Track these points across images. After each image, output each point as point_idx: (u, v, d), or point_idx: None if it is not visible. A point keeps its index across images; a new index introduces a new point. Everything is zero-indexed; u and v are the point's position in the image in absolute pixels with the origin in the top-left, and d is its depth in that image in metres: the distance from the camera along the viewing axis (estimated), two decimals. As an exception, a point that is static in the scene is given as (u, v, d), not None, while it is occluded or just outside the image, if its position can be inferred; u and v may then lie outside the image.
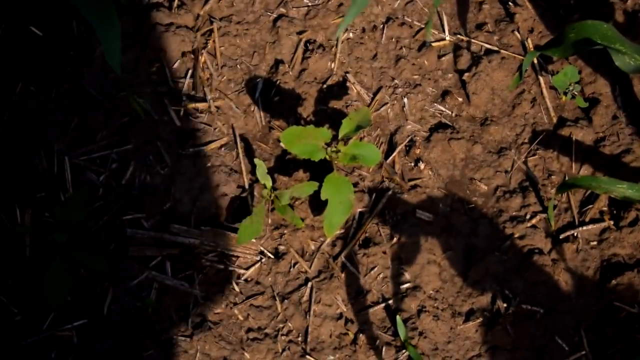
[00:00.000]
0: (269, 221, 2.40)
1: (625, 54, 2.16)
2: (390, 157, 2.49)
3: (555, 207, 2.44)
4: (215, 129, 2.49)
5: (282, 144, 2.47)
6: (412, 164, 2.48)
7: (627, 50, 2.15)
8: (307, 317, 2.30)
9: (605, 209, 2.45)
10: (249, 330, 2.31)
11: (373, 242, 2.38)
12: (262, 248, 2.37)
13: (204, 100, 2.51)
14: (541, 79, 2.60)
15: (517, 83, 2.31)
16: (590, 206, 2.44)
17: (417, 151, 2.49)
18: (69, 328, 2.28)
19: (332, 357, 2.30)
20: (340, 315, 2.31)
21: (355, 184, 2.44)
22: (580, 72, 2.60)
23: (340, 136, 2.31)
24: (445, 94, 2.58)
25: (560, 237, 2.41)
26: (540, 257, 2.35)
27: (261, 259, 2.36)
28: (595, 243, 2.40)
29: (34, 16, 2.56)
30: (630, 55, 2.15)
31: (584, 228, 2.41)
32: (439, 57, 2.63)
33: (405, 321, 2.29)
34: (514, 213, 2.44)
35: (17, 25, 2.57)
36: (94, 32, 2.53)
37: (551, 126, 2.56)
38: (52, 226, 2.31)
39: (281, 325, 2.32)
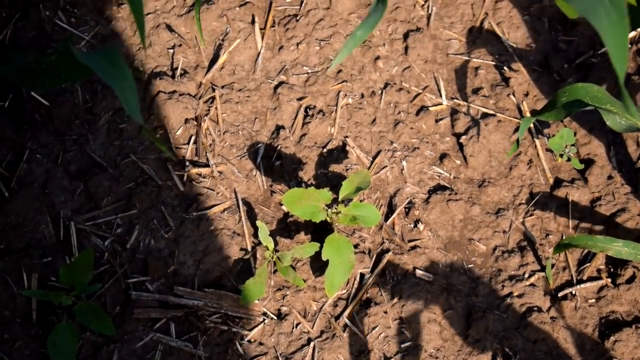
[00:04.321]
0: (272, 282, 2.43)
1: (616, 114, 2.20)
2: (390, 219, 2.52)
3: (553, 265, 2.47)
4: (218, 193, 2.53)
5: (283, 207, 2.51)
6: (412, 225, 2.51)
7: (617, 110, 2.20)
8: (310, 377, 2.32)
9: (602, 267, 2.48)
10: (253, 391, 2.34)
11: (374, 302, 2.40)
12: (265, 309, 2.40)
13: (206, 165, 2.56)
14: (537, 142, 2.65)
15: (515, 150, 2.35)
16: (588, 264, 2.47)
17: (417, 213, 2.52)
18: (74, 391, 2.31)
19: (335, 417, 2.32)
20: (343, 375, 2.33)
21: (355, 246, 2.47)
22: (575, 134, 2.65)
23: (340, 198, 2.36)
24: (443, 156, 2.63)
25: (559, 295, 2.43)
26: (539, 315, 2.38)
27: (264, 319, 2.38)
28: (593, 301, 2.42)
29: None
30: (621, 115, 2.20)
31: (582, 286, 2.44)
32: (437, 121, 2.68)
33: (407, 380, 2.31)
34: (512, 272, 2.47)
35: (24, 95, 2.63)
36: (99, 102, 2.60)
37: (548, 187, 2.60)
38: (58, 290, 2.34)
39: (284, 386, 2.34)
